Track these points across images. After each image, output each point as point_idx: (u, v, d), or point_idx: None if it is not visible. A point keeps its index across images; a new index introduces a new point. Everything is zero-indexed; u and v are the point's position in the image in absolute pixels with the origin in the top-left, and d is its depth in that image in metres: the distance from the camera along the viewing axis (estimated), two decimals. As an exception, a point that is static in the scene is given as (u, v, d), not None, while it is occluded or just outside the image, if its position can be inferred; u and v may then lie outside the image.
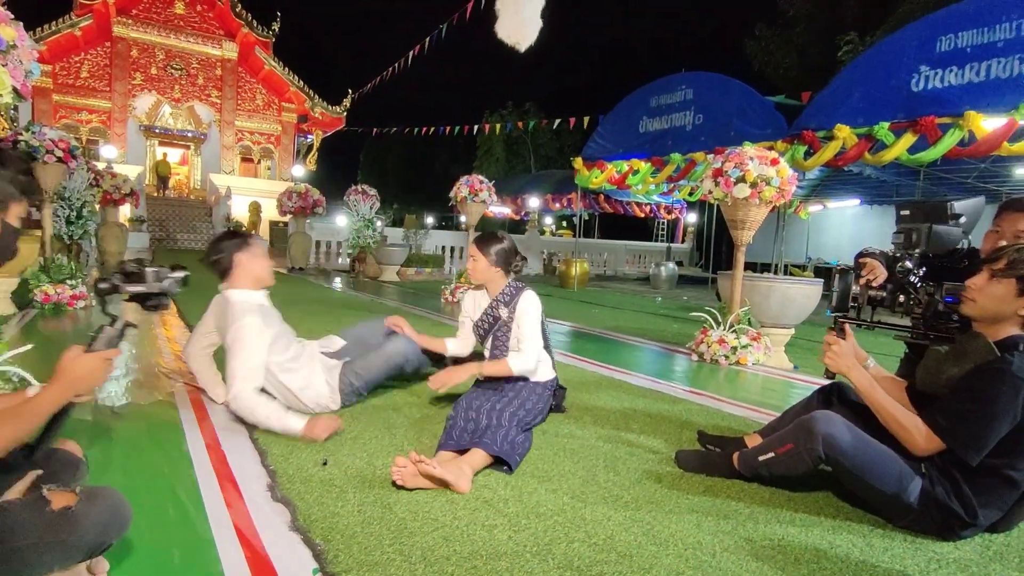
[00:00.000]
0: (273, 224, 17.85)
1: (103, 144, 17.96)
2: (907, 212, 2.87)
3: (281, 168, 22.60)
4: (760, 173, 4.23)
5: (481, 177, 7.60)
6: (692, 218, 20.03)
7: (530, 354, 2.62)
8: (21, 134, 5.07)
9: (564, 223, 28.49)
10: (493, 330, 2.78)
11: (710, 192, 4.48)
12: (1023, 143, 6.03)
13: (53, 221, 6.27)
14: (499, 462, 2.14)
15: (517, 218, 21.73)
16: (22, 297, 5.21)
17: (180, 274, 1.69)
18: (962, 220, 2.82)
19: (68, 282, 5.32)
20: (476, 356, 2.98)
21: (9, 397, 1.52)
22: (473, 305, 2.86)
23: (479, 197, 7.51)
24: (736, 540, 1.76)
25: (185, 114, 21.17)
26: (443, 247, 14.86)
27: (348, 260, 11.82)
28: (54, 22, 17.60)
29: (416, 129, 18.56)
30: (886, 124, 6.71)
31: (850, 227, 15.22)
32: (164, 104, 20.73)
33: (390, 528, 1.71)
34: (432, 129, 18.23)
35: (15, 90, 2.05)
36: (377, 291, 9.11)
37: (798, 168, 7.45)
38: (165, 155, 21.27)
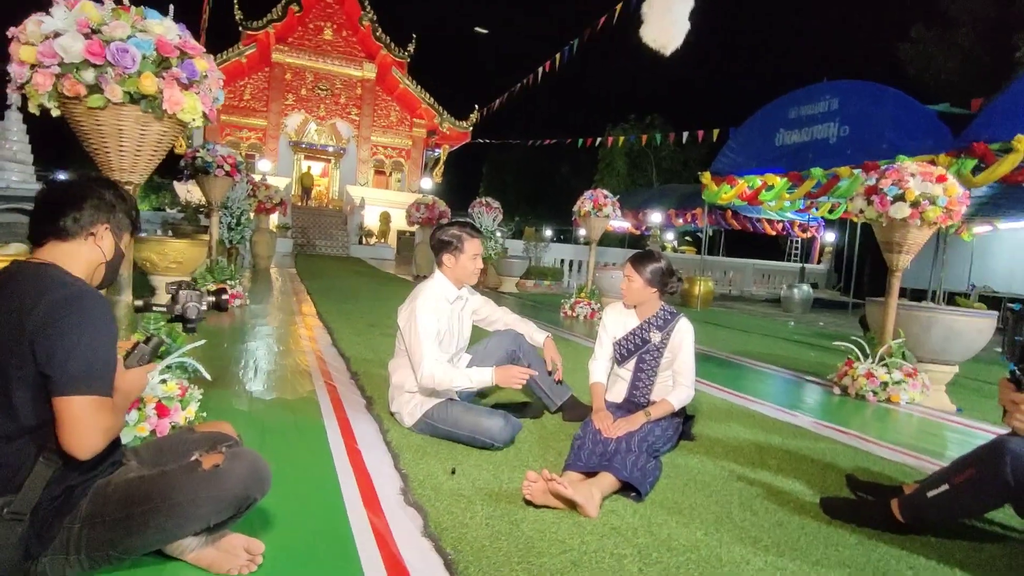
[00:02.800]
0: (400, 233, 18.91)
1: (259, 159, 20.02)
2: None
3: (409, 180, 23.89)
4: (923, 191, 3.81)
5: (605, 192, 7.53)
6: (830, 237, 18.54)
7: (690, 388, 2.60)
8: (198, 151, 5.76)
9: (687, 239, 27.54)
10: (639, 352, 2.69)
11: (861, 212, 4.10)
12: None
13: (218, 227, 7.03)
14: (627, 488, 2.07)
15: (637, 233, 21.31)
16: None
17: (207, 299, 1.79)
18: None
19: (228, 282, 5.93)
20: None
21: None
22: (616, 322, 2.77)
23: (603, 212, 7.43)
24: (899, 605, 1.56)
25: (328, 130, 23.05)
26: (562, 260, 14.89)
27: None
28: (225, 51, 19.91)
29: (538, 141, 18.86)
30: (1081, 134, 5.80)
31: (1024, 252, 13.30)
32: (311, 122, 22.71)
33: (518, 545, 1.70)
34: (554, 141, 18.44)
35: (204, 115, 2.31)
36: (497, 302, 9.28)
37: (965, 184, 6.63)
38: (309, 168, 23.26)
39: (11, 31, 2.06)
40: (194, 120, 2.26)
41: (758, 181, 9.97)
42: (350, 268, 13.79)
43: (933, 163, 5.66)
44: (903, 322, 4.28)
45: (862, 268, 15.06)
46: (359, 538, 1.69)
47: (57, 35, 2.01)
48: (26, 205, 6.84)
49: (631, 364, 2.70)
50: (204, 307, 1.79)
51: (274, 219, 12.68)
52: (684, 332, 2.63)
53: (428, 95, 23.06)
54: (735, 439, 2.93)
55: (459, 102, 23.55)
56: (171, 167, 7.12)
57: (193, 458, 1.44)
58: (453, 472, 2.18)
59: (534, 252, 13.87)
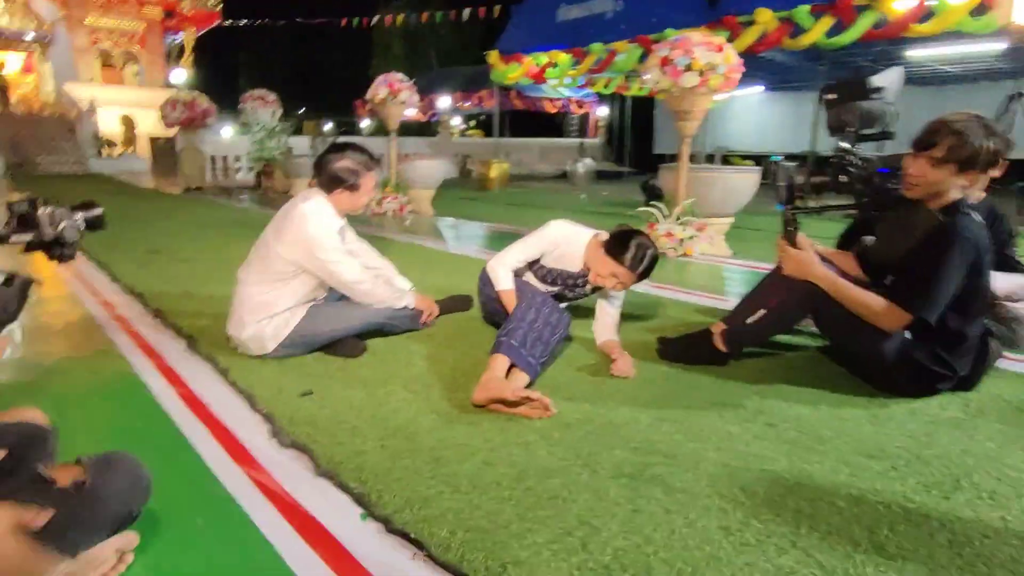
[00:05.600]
0: (154, 141, 15.99)
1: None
2: (833, 95, 2.89)
3: (151, 74, 19.94)
4: (708, 60, 4.14)
5: (400, 75, 7.02)
6: (603, 111, 19.89)
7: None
8: None
9: (472, 123, 27.54)
10: (563, 288, 2.64)
11: (656, 82, 4.36)
12: (929, 24, 6.27)
13: None
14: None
15: (424, 119, 20.72)
16: None
17: (80, 216, 1.37)
18: (884, 93, 2.90)
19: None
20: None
21: None
22: (561, 254, 2.58)
23: (399, 98, 6.96)
24: (759, 426, 1.82)
25: (20, 10, 17.84)
26: (353, 155, 13.97)
27: (252, 175, 10.86)
28: None
29: (304, 22, 16.79)
30: (806, 7, 6.75)
31: (755, 114, 15.64)
32: (-10, -1, 17.38)
33: (424, 460, 1.62)
34: (324, 21, 16.55)
35: None
36: (291, 207, 8.47)
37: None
38: (2, 63, 18.13)
39: None
40: None
41: (544, 58, 10.13)
42: (96, 188, 11.43)
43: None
44: (690, 183, 4.80)
45: (632, 139, 16.56)
46: (244, 501, 1.45)
47: None
48: None
49: (552, 289, 2.64)
50: (83, 226, 1.36)
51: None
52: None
53: (154, -37, 18.90)
54: (573, 309, 3.10)
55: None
56: None
57: (38, 472, 1.09)
58: (307, 394, 2.00)
59: (321, 148, 12.78)
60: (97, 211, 1.41)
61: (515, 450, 1.67)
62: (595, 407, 1.95)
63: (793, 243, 2.08)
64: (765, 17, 7.02)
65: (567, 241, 2.58)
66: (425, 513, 1.38)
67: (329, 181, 2.39)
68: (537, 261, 2.63)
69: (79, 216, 1.37)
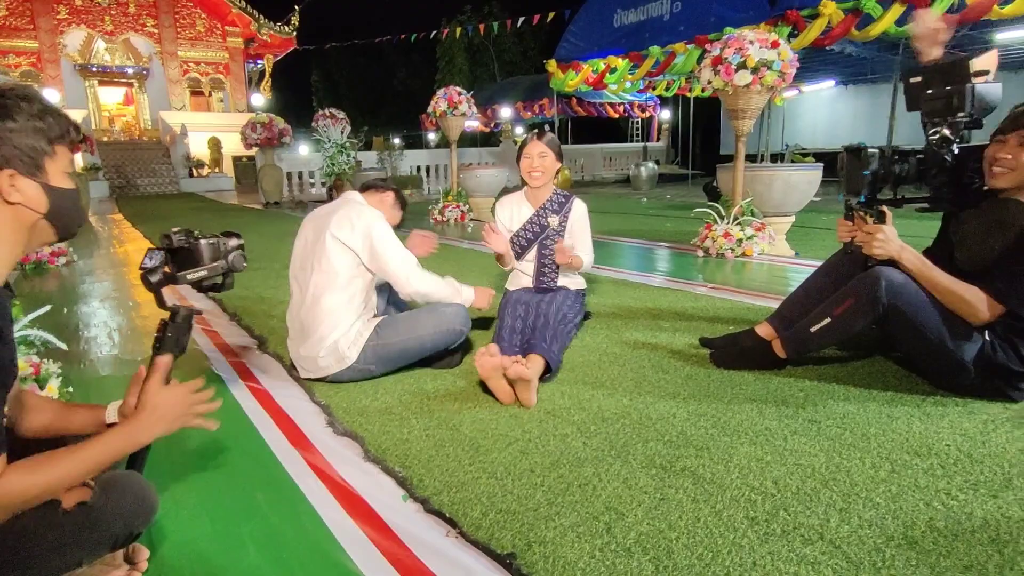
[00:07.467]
0: (236, 160, 17.10)
1: (40, 89, 16.67)
2: (918, 79, 2.61)
3: (235, 99, 21.32)
4: (761, 57, 4.07)
5: (459, 88, 7.24)
6: (666, 115, 19.58)
7: (590, 256, 2.71)
8: (-40, 82, 4.62)
9: (535, 131, 27.73)
10: (540, 239, 2.70)
11: (709, 82, 4.32)
12: (1014, 5, 5.86)
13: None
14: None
15: (487, 130, 21.07)
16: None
17: (237, 242, 1.38)
18: (989, 76, 2.59)
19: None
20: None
21: (80, 409, 1.31)
22: (510, 217, 2.75)
23: (459, 110, 7.18)
24: (800, 423, 1.80)
25: (122, 48, 19.55)
26: (419, 166, 14.42)
27: (324, 189, 11.42)
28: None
29: (371, 40, 17.52)
30: (874, -6, 6.45)
31: (826, 111, 15.01)
32: (97, 39, 19.10)
33: (464, 448, 1.71)
34: (387, 39, 17.21)
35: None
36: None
37: (784, 50, 7.20)
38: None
39: None
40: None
41: (601, 64, 10.12)
42: (187, 205, 12.35)
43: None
44: (748, 182, 4.71)
45: (695, 141, 16.20)
46: (299, 479, 1.60)
47: None
48: None
49: (532, 254, 2.72)
50: (244, 254, 1.38)
51: (79, 159, 10.87)
52: (580, 210, 2.73)
53: (238, -3, 20.23)
54: (628, 310, 3.13)
55: (273, 3, 20.98)
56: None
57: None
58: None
59: (389, 162, 13.26)
60: (241, 240, 1.40)
61: (552, 441, 1.74)
62: (633, 401, 1.99)
63: (881, 220, 1.94)
64: (830, 9, 6.76)
65: (501, 204, 2.77)
66: (461, 496, 1.48)
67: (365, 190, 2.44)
68: (515, 241, 2.72)
69: (234, 242, 1.37)
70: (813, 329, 2.06)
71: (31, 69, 18.15)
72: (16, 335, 2.05)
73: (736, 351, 2.36)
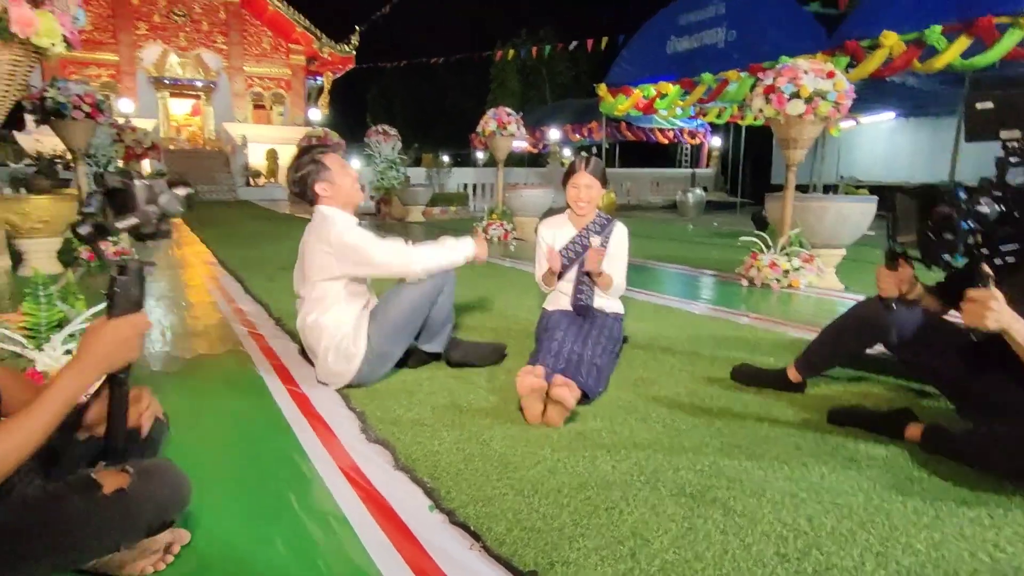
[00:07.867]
0: (292, 171, 17.70)
1: (117, 98, 17.72)
2: (988, 104, 2.23)
3: (293, 113, 22.19)
4: (816, 87, 4.01)
5: (508, 109, 7.36)
6: (716, 142, 19.38)
7: (623, 281, 2.76)
8: (47, 91, 4.96)
9: (583, 153, 27.84)
10: (581, 259, 2.72)
11: (760, 111, 4.27)
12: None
13: (85, 179, 6.24)
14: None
15: (536, 151, 21.26)
16: (67, 256, 5.25)
17: (183, 191, 1.26)
18: None
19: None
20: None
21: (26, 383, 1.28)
22: (554, 236, 2.78)
23: (507, 130, 7.29)
24: (840, 460, 1.74)
25: (193, 62, 20.69)
26: (465, 184, 14.65)
27: (372, 203, 11.72)
28: (50, -28, 17.05)
29: (426, 61, 18.03)
30: (938, 28, 6.27)
31: (884, 143, 14.56)
32: (171, 53, 20.26)
33: (492, 464, 1.72)
34: (441, 60, 17.68)
35: (65, 39, 1.96)
36: (406, 232, 9.06)
37: (841, 81, 7.07)
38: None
39: None
40: (53, 45, 1.91)
41: (652, 90, 10.14)
42: (243, 213, 12.85)
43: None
44: (799, 213, 4.61)
45: (745, 169, 15.94)
46: (330, 481, 1.64)
47: None
48: None
49: (572, 274, 2.73)
50: (183, 194, 1.26)
51: (146, 166, 11.45)
52: (621, 234, 2.75)
53: (303, 17, 21.15)
54: (667, 337, 3.09)
55: (337, 24, 21.85)
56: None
57: (90, 475, 1.11)
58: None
59: (437, 179, 13.54)
60: (189, 190, 1.28)
61: (581, 462, 1.73)
62: (666, 428, 1.96)
63: (986, 283, 1.52)
64: (891, 40, 6.60)
65: (545, 224, 2.84)
66: (487, 510, 1.48)
67: (303, 194, 2.37)
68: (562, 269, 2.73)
69: (182, 191, 1.26)
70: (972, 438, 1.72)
71: (110, 80, 19.35)
72: (75, 329, 2.18)
73: (754, 370, 2.41)
